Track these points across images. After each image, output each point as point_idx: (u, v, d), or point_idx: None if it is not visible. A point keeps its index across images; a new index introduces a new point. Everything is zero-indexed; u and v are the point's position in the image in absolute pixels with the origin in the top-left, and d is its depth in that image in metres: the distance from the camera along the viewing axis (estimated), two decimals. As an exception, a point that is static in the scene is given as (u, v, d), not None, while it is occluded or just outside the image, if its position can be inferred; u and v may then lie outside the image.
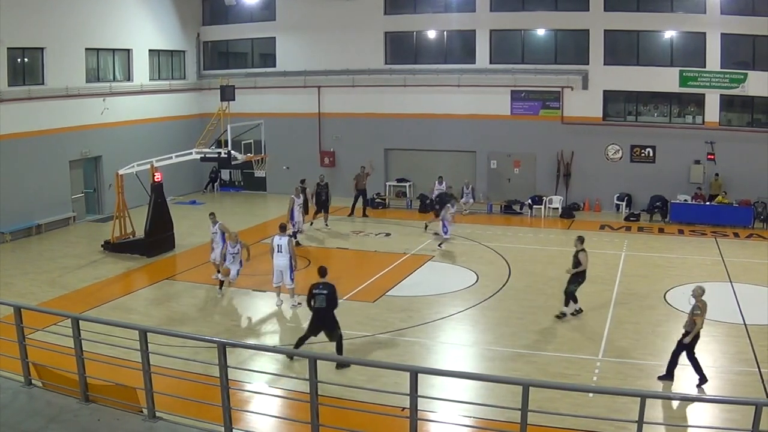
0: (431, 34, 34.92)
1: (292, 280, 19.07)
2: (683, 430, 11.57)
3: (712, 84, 30.52)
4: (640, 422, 7.89)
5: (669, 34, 31.24)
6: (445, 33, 34.59)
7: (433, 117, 34.15)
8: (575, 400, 13.10)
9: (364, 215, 31.29)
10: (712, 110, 30.95)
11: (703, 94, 30.85)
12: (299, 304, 18.94)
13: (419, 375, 8.61)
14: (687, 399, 13.01)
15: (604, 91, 32.30)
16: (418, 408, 8.66)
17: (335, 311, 15.21)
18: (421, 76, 34.25)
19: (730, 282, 21.43)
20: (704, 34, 30.37)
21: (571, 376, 14.78)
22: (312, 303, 15.05)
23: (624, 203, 31.50)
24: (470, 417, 12.68)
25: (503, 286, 21.38)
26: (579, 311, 18.48)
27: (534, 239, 28.01)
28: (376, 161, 34.26)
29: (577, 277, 18.16)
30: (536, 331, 17.47)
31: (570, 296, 18.32)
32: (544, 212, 31.98)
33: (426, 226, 28.36)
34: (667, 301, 19.61)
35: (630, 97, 32.47)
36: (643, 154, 31.91)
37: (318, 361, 8.92)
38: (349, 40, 35.13)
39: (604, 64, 31.94)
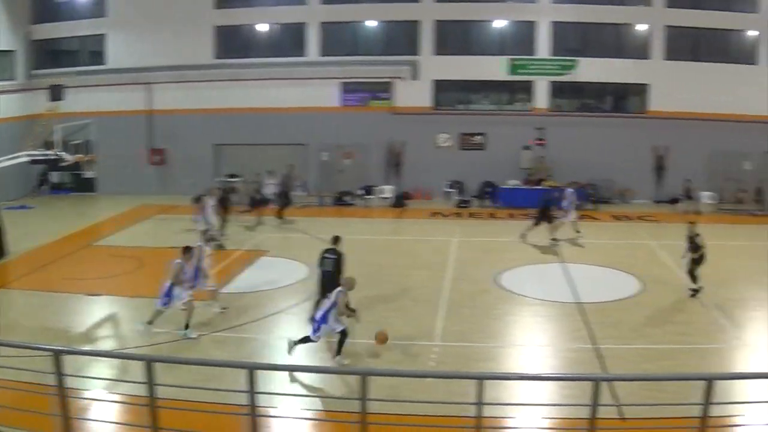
0: (262, 28, 34.23)
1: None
2: (524, 409, 11.54)
3: (542, 71, 31.43)
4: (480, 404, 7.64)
5: (499, 24, 31.93)
6: (275, 26, 34.03)
7: (264, 111, 33.54)
8: (416, 386, 12.77)
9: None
10: (542, 97, 31.98)
11: (533, 81, 31.79)
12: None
13: (256, 371, 8.72)
14: (525, 378, 13.01)
15: (435, 81, 32.67)
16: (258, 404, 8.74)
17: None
18: (252, 70, 33.50)
19: (562, 263, 21.98)
20: (534, 22, 31.38)
21: (409, 363, 14.45)
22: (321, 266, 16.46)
23: (455, 190, 31.87)
24: (311, 410, 12.41)
25: (338, 276, 20.87)
26: None
27: (367, 229, 27.87)
28: (206, 158, 33.19)
29: None
30: (372, 322, 17.04)
31: None
32: (376, 202, 31.89)
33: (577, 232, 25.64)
34: (500, 285, 19.78)
35: (461, 86, 32.98)
36: (473, 142, 32.47)
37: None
38: (179, 35, 33.85)
39: (435, 54, 32.28)
